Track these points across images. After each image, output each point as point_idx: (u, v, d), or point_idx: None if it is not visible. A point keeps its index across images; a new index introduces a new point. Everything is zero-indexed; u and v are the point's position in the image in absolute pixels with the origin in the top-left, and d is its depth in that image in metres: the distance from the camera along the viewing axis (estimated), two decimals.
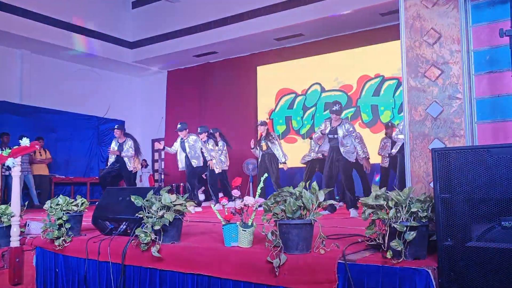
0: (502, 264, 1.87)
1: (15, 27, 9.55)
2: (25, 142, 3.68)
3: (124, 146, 7.54)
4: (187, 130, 7.52)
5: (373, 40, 9.46)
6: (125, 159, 7.53)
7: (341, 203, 7.18)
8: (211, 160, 7.36)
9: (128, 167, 7.55)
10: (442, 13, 2.74)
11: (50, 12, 10.07)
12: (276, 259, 2.35)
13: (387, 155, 7.46)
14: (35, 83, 10.70)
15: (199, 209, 6.69)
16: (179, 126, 7.48)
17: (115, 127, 7.80)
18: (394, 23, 8.51)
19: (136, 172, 7.94)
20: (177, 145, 7.55)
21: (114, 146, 7.63)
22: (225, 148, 8.43)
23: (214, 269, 2.66)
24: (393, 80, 9.35)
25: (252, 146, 7.65)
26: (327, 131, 5.83)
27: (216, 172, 7.43)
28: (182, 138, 7.47)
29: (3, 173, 6.68)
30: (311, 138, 7.78)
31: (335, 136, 5.76)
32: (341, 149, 5.69)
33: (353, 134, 5.76)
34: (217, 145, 8.11)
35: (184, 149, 7.43)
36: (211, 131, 8.23)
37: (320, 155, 7.47)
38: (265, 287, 2.47)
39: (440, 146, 2.63)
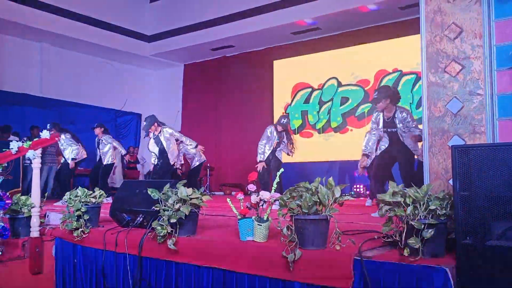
0: None
1: (35, 20, 9.70)
2: (45, 134, 3.74)
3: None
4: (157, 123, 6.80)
5: (391, 34, 9.33)
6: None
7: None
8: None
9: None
10: (464, 7, 2.68)
11: (69, 5, 10.20)
12: (291, 254, 2.35)
13: None
14: (54, 76, 10.86)
15: None
16: (145, 123, 6.75)
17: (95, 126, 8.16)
18: (413, 17, 8.38)
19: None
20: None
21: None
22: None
23: (230, 262, 2.67)
24: (411, 75, 9.22)
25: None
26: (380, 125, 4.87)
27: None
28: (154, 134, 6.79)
29: (28, 164, 6.83)
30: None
31: (393, 129, 4.85)
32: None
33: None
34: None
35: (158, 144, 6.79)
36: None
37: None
38: (280, 282, 2.47)
39: (459, 143, 2.58)
